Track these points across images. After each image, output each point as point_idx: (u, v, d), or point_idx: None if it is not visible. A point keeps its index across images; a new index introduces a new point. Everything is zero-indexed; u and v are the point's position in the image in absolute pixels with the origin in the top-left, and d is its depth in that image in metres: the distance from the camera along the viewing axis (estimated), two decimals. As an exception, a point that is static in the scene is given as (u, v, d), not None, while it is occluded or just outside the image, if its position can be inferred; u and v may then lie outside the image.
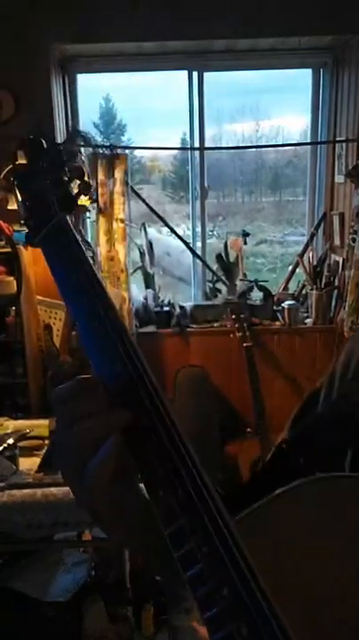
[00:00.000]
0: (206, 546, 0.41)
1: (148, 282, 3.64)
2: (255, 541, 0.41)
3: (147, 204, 3.54)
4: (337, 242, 3.48)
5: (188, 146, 3.66)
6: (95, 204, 3.25)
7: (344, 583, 0.43)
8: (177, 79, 3.52)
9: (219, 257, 3.62)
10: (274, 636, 0.37)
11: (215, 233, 4.05)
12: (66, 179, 0.61)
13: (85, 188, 0.63)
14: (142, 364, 0.48)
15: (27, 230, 0.61)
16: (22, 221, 0.61)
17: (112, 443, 0.44)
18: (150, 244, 3.57)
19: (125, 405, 0.46)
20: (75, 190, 0.62)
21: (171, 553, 0.41)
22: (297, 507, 0.46)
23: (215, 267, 3.65)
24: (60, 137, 3.25)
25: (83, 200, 3.22)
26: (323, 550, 0.44)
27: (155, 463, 0.45)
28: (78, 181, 0.61)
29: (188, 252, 3.68)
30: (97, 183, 3.20)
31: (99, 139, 3.58)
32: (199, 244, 3.72)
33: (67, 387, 0.47)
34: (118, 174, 3.19)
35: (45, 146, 0.62)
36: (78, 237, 0.59)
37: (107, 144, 3.29)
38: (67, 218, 0.60)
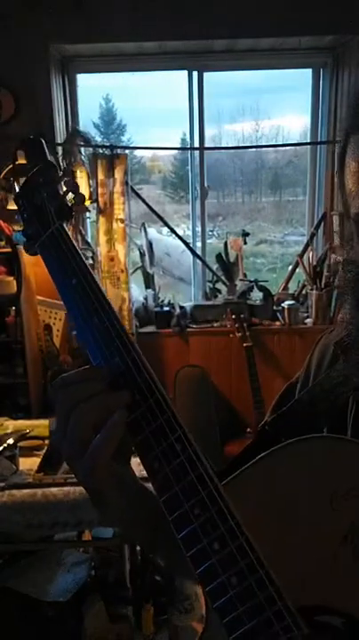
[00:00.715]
0: (199, 508, 0.46)
1: (148, 282, 3.64)
2: (240, 498, 0.47)
3: (147, 204, 3.54)
4: (337, 242, 3.48)
5: (188, 146, 3.66)
6: (95, 204, 3.25)
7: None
8: (177, 79, 3.52)
9: (219, 257, 3.62)
10: (261, 583, 0.43)
11: (215, 233, 4.05)
12: (61, 192, 0.66)
13: (80, 201, 0.65)
14: (139, 357, 0.52)
15: (25, 239, 0.65)
16: (21, 231, 0.65)
17: (112, 423, 0.48)
18: (150, 244, 3.57)
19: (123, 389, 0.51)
20: (71, 202, 0.66)
21: (167, 521, 0.47)
22: (272, 466, 0.51)
23: (215, 267, 3.65)
24: (60, 137, 3.25)
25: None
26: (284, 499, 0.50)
27: (151, 440, 0.49)
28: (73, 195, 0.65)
29: (188, 252, 3.68)
30: (97, 183, 3.20)
31: (99, 139, 3.58)
32: (199, 244, 3.72)
33: (70, 373, 0.52)
34: (118, 174, 3.19)
35: (42, 161, 0.68)
36: (75, 244, 0.61)
37: (107, 144, 3.29)
38: (64, 226, 0.63)
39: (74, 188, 0.66)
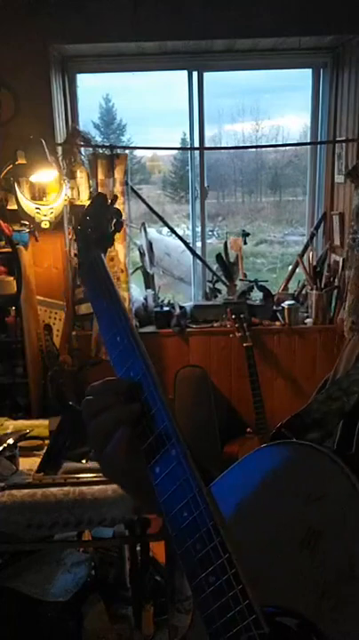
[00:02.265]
0: (186, 510, 0.52)
1: (148, 282, 3.64)
2: (222, 498, 0.51)
3: (147, 204, 3.55)
4: (337, 242, 3.48)
5: (188, 146, 3.67)
6: (95, 204, 3.24)
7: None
8: (177, 79, 3.52)
9: (219, 257, 3.62)
10: (229, 583, 0.47)
11: (215, 233, 4.06)
12: (106, 221, 0.80)
13: (119, 227, 0.80)
14: (153, 375, 0.59)
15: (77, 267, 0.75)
16: (74, 256, 0.77)
17: (118, 436, 0.56)
18: (150, 244, 3.57)
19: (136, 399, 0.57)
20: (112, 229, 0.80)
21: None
22: (249, 468, 0.55)
23: (215, 267, 3.65)
24: (60, 137, 3.25)
25: (84, 200, 3.23)
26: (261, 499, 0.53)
27: (152, 448, 0.56)
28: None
29: (188, 252, 3.68)
30: (97, 183, 3.20)
31: (99, 139, 3.59)
32: (199, 244, 3.72)
33: (96, 383, 0.59)
34: (118, 174, 3.19)
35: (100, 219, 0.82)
36: (109, 271, 0.73)
37: (107, 144, 3.29)
38: (102, 256, 0.76)
39: (117, 215, 0.73)
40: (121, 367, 0.62)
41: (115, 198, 0.84)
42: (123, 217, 3.23)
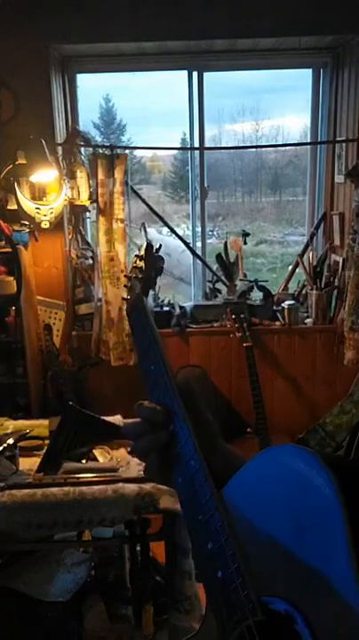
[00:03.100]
0: (202, 513, 0.60)
1: (148, 282, 3.63)
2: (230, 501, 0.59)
3: (147, 204, 3.55)
4: (337, 242, 3.48)
5: (188, 146, 3.66)
6: (95, 204, 3.25)
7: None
8: (177, 79, 3.52)
9: (219, 257, 3.62)
10: (231, 577, 0.54)
11: (215, 233, 4.05)
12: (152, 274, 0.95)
13: (161, 272, 1.00)
14: (178, 399, 0.70)
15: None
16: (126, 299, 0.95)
17: (150, 461, 0.68)
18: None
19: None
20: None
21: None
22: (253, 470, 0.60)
23: (215, 267, 3.65)
24: (60, 137, 3.25)
25: (84, 200, 3.23)
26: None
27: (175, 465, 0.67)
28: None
29: (188, 252, 3.68)
30: (97, 183, 3.20)
31: (99, 139, 3.59)
32: (199, 244, 3.72)
33: (142, 408, 0.69)
34: (118, 174, 3.19)
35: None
36: (149, 314, 0.85)
37: (107, 144, 3.29)
38: (144, 298, 0.89)
39: (161, 262, 0.96)
40: (153, 393, 0.73)
41: (159, 246, 1.00)
42: (123, 217, 3.24)
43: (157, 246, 0.99)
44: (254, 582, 0.53)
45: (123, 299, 0.99)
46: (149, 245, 0.98)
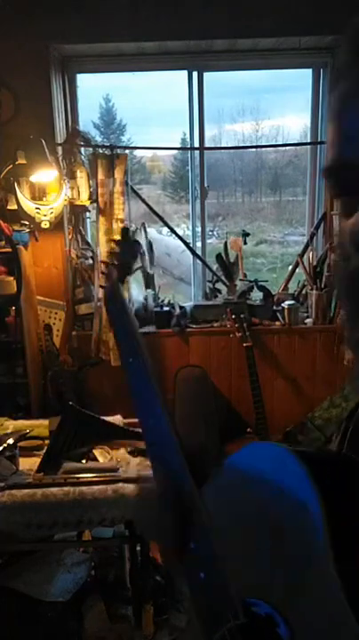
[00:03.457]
0: (193, 540, 0.58)
1: (148, 282, 3.64)
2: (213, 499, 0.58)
3: (147, 204, 3.54)
4: (337, 242, 3.48)
5: (188, 146, 3.66)
6: (95, 204, 3.25)
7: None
8: (177, 79, 3.52)
9: (219, 257, 3.62)
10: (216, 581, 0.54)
11: (215, 233, 4.05)
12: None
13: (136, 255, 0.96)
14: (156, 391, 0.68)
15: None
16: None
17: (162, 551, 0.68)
18: (150, 244, 3.57)
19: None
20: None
21: None
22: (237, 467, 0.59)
23: (215, 267, 3.65)
24: (60, 137, 3.25)
25: (84, 200, 3.23)
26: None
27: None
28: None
29: (188, 252, 3.68)
30: (97, 183, 3.20)
31: (99, 139, 3.59)
32: (199, 244, 3.72)
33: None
34: (118, 174, 3.19)
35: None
36: (125, 301, 0.83)
37: (107, 144, 3.29)
38: (120, 286, 0.85)
39: (138, 246, 0.95)
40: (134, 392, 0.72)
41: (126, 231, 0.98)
42: (123, 217, 3.24)
43: (134, 229, 0.97)
44: (236, 585, 0.52)
45: (100, 286, 0.97)
46: (125, 229, 0.95)
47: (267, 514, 0.51)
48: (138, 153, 4.06)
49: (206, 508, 0.59)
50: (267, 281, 3.63)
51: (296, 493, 0.48)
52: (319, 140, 3.62)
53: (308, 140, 3.69)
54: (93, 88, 3.68)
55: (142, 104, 3.85)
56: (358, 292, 0.49)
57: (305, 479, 0.48)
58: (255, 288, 3.56)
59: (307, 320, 3.50)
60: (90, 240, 3.55)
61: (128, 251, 0.92)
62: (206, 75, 3.47)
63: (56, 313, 3.34)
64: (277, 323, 3.48)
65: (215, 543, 0.57)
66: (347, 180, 0.48)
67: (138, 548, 2.20)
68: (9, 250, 2.96)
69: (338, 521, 0.46)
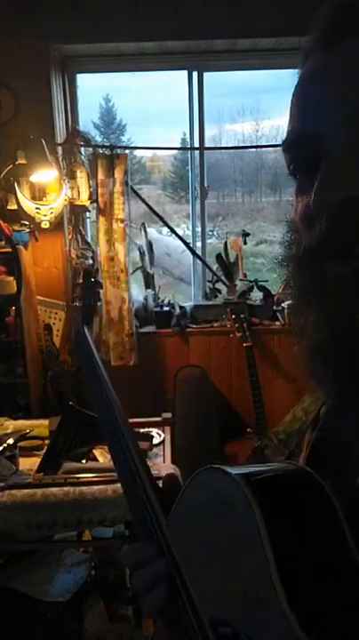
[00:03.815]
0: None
1: (148, 282, 3.64)
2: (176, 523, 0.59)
3: (147, 204, 3.54)
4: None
5: (188, 146, 3.66)
6: (95, 204, 3.25)
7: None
8: (177, 79, 3.52)
9: (219, 257, 3.62)
10: (185, 604, 0.53)
11: (215, 233, 4.06)
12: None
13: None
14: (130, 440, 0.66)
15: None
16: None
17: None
18: (150, 244, 3.57)
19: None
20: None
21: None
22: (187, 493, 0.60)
23: (215, 267, 3.65)
24: (60, 137, 3.25)
25: (84, 200, 3.23)
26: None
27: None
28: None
29: (188, 252, 3.68)
30: (97, 183, 3.20)
31: (99, 139, 3.58)
32: (199, 244, 3.72)
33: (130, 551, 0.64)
34: (118, 174, 3.19)
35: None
36: (93, 349, 0.78)
37: (107, 144, 3.29)
38: (86, 331, 0.82)
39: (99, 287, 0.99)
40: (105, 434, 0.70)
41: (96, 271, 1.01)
42: (123, 217, 3.24)
43: (94, 270, 0.98)
44: (201, 603, 0.53)
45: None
46: (87, 272, 1.04)
47: (219, 533, 0.52)
48: (138, 153, 4.06)
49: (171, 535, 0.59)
50: (267, 281, 3.63)
51: (240, 510, 0.49)
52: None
53: (308, 140, 3.68)
54: (93, 88, 3.69)
55: (142, 104, 3.85)
56: (307, 277, 0.49)
57: (248, 498, 0.48)
58: (255, 288, 3.56)
59: (307, 320, 3.50)
60: (90, 240, 3.55)
61: (89, 294, 0.99)
62: (206, 75, 3.47)
63: (56, 313, 3.34)
64: (277, 323, 3.48)
65: (181, 566, 0.57)
66: (303, 152, 0.50)
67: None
68: (9, 250, 2.96)
69: (286, 535, 0.47)
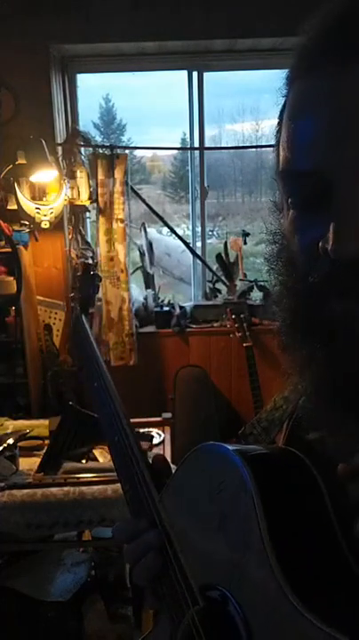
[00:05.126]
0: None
1: (148, 282, 3.64)
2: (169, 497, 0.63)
3: (147, 204, 3.54)
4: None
5: (188, 146, 3.66)
6: (95, 204, 3.25)
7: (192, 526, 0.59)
8: (177, 79, 3.52)
9: (219, 257, 3.62)
10: (175, 571, 0.57)
11: (215, 233, 4.06)
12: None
13: (97, 289, 1.06)
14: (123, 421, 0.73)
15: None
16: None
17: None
18: (150, 244, 3.57)
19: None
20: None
21: None
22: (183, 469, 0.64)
23: (215, 267, 3.65)
24: (60, 137, 3.25)
25: (84, 200, 3.23)
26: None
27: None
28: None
29: (188, 252, 3.68)
30: (97, 183, 3.20)
31: (99, 139, 3.59)
32: (199, 244, 3.72)
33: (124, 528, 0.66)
34: (118, 174, 3.19)
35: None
36: (89, 333, 0.87)
37: (107, 144, 3.29)
38: (83, 319, 0.90)
39: (98, 280, 1.08)
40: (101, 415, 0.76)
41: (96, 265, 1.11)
42: (123, 217, 3.24)
43: (94, 264, 1.07)
44: (192, 575, 0.56)
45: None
46: (86, 265, 1.07)
47: (211, 504, 0.55)
48: (138, 153, 4.06)
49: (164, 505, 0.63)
50: (267, 281, 3.62)
51: (236, 483, 0.52)
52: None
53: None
54: (93, 88, 3.69)
55: (142, 104, 3.85)
56: (309, 314, 0.48)
57: (244, 472, 0.52)
58: (255, 288, 3.56)
59: (307, 320, 3.49)
60: (90, 240, 3.55)
61: (88, 285, 1.05)
62: (206, 75, 3.47)
63: (56, 313, 3.34)
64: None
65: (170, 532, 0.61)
66: (305, 186, 0.46)
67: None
68: (9, 250, 2.96)
69: (277, 508, 0.50)
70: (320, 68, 0.45)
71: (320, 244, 0.45)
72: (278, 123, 0.54)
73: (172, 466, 0.70)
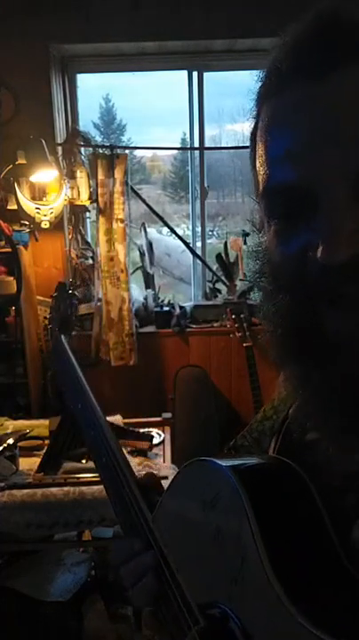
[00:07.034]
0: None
1: (148, 282, 3.64)
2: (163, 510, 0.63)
3: (147, 204, 3.54)
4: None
5: (188, 146, 3.66)
6: (95, 204, 3.25)
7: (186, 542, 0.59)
8: (177, 79, 3.52)
9: (219, 257, 3.62)
10: (174, 592, 0.56)
11: (215, 233, 4.05)
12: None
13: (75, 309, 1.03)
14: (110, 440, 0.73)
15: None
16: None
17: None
18: (150, 244, 3.57)
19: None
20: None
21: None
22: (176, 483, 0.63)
23: (215, 267, 3.65)
24: (60, 137, 3.25)
25: (84, 200, 3.23)
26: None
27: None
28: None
29: (188, 252, 3.68)
30: (97, 183, 3.20)
31: (99, 139, 3.59)
32: (199, 244, 3.72)
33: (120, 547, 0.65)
34: (118, 174, 3.19)
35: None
36: (69, 352, 0.88)
37: (107, 144, 3.29)
38: (62, 339, 0.91)
39: (74, 299, 1.07)
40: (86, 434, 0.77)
41: (72, 284, 1.12)
42: (123, 217, 3.24)
43: (69, 283, 1.07)
44: (191, 593, 0.55)
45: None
46: (61, 285, 1.16)
47: (208, 520, 0.55)
48: (138, 153, 4.06)
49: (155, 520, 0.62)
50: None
51: (229, 498, 0.52)
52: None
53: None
54: (93, 88, 3.68)
55: (142, 104, 3.85)
56: (300, 328, 0.47)
57: (236, 486, 0.52)
58: (255, 288, 3.56)
59: (307, 320, 3.49)
60: (90, 240, 3.55)
61: (65, 305, 1.08)
62: (206, 75, 3.47)
63: (56, 313, 3.33)
64: (277, 323, 3.47)
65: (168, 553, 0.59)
66: (289, 198, 0.45)
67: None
68: (9, 250, 2.96)
69: (272, 521, 0.50)
70: (294, 83, 0.45)
71: (309, 253, 0.44)
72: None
73: (164, 481, 0.70)
